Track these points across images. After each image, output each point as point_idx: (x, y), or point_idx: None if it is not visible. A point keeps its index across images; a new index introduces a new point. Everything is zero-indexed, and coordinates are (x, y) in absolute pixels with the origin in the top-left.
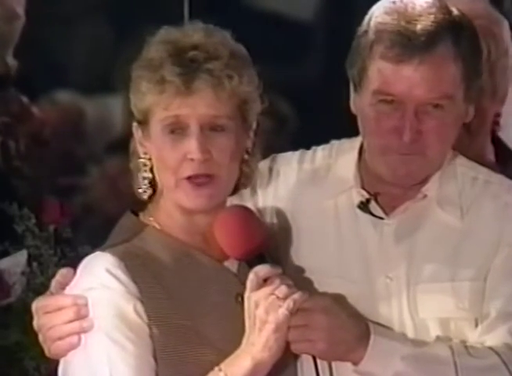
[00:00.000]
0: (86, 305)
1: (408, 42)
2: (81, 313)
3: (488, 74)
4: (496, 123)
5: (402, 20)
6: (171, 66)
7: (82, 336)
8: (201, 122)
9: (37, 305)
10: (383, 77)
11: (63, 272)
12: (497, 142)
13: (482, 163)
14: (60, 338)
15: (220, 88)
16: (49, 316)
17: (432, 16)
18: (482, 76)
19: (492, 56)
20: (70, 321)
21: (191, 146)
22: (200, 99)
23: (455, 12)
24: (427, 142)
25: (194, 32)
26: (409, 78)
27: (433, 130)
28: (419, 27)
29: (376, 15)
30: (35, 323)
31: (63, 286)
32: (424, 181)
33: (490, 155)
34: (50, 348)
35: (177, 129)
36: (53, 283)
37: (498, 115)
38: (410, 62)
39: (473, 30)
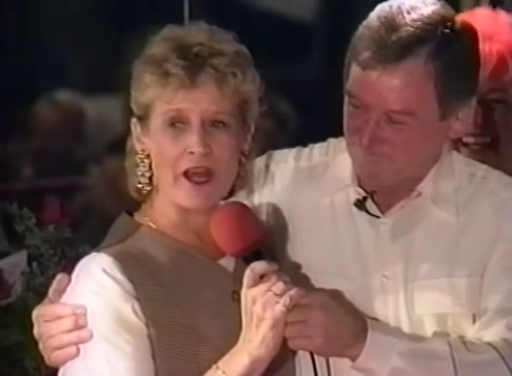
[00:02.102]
0: (85, 314)
1: (378, 50)
2: (80, 323)
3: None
4: None
5: (383, 27)
6: (176, 59)
7: (82, 345)
8: (203, 117)
9: (37, 313)
10: (353, 79)
11: (58, 278)
12: None
13: None
14: (59, 348)
15: (224, 84)
16: (49, 324)
17: (412, 29)
18: (474, 94)
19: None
20: (69, 331)
21: (192, 140)
22: (204, 93)
23: (454, 25)
24: (389, 150)
25: (198, 31)
26: (372, 86)
27: (394, 140)
28: (394, 37)
29: (370, 15)
30: (35, 331)
31: (60, 293)
32: (419, 180)
33: None
34: (50, 357)
35: (178, 123)
36: (51, 291)
37: None
38: (374, 70)
39: (467, 47)
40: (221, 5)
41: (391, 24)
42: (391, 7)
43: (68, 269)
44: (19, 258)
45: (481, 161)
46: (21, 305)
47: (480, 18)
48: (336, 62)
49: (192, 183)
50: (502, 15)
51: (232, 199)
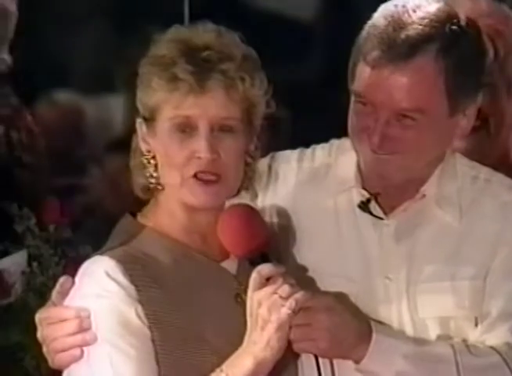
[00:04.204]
0: (89, 317)
1: (387, 49)
2: (84, 326)
3: (499, 72)
4: None
5: (391, 26)
6: (185, 64)
7: (85, 348)
8: (211, 123)
9: (40, 316)
10: (361, 79)
11: (61, 281)
12: None
13: (507, 166)
14: (63, 350)
15: (232, 89)
16: (52, 327)
17: (420, 27)
18: (480, 90)
19: (500, 54)
20: (73, 333)
21: (200, 145)
22: (212, 99)
23: (459, 22)
24: (399, 148)
25: (205, 32)
26: (382, 85)
27: (404, 138)
28: (403, 36)
29: (375, 15)
30: (39, 334)
31: (63, 296)
32: (422, 181)
33: None
34: (54, 360)
35: (186, 128)
36: (54, 294)
37: None
38: (385, 69)
39: (473, 43)
40: (221, 5)
41: (398, 23)
42: (395, 6)
43: (68, 269)
44: (20, 258)
45: (474, 143)
46: (21, 304)
47: (458, 2)
48: (336, 62)
49: (201, 182)
50: (481, 1)
51: (237, 200)
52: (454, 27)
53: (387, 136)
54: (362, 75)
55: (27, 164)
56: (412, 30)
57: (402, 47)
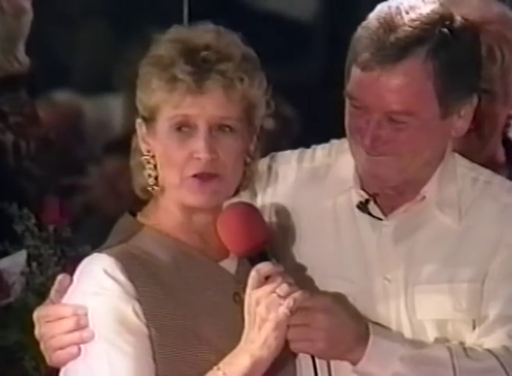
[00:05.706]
0: (86, 314)
1: (376, 51)
2: (81, 323)
3: (500, 78)
4: (507, 125)
5: (382, 28)
6: (183, 64)
7: (82, 345)
8: (209, 122)
9: (38, 313)
10: (353, 80)
11: (59, 279)
12: (508, 143)
13: (493, 165)
14: (61, 348)
15: (231, 89)
16: (50, 325)
17: (410, 29)
18: (475, 92)
19: (506, 61)
20: (71, 331)
21: (198, 145)
22: (211, 99)
23: (452, 24)
24: (391, 149)
25: (205, 32)
26: (371, 87)
27: (396, 140)
28: (392, 38)
29: (370, 15)
30: (37, 331)
31: (61, 293)
32: (422, 182)
33: (500, 156)
34: (51, 357)
35: (184, 128)
36: (52, 292)
37: (510, 117)
38: (373, 71)
39: (466, 46)
40: (222, 5)
41: (389, 25)
42: (389, 7)
43: (68, 269)
44: (19, 258)
45: (464, 144)
46: (21, 305)
47: (468, 7)
48: (336, 62)
49: (199, 181)
50: (491, 4)
51: (236, 199)
52: (445, 30)
53: (379, 138)
54: (354, 77)
55: (29, 167)
56: (401, 33)
57: (390, 49)
